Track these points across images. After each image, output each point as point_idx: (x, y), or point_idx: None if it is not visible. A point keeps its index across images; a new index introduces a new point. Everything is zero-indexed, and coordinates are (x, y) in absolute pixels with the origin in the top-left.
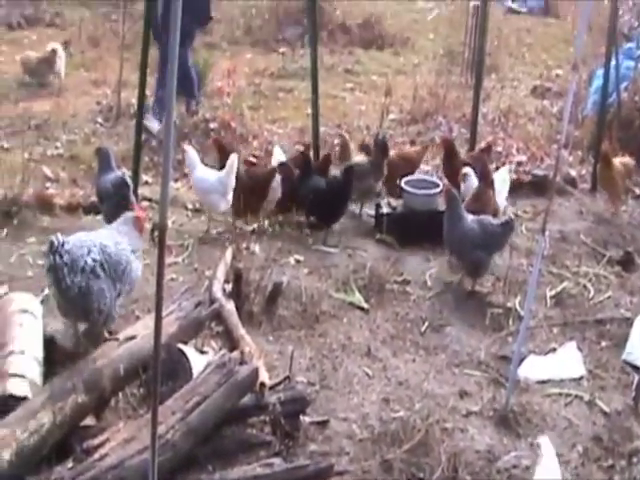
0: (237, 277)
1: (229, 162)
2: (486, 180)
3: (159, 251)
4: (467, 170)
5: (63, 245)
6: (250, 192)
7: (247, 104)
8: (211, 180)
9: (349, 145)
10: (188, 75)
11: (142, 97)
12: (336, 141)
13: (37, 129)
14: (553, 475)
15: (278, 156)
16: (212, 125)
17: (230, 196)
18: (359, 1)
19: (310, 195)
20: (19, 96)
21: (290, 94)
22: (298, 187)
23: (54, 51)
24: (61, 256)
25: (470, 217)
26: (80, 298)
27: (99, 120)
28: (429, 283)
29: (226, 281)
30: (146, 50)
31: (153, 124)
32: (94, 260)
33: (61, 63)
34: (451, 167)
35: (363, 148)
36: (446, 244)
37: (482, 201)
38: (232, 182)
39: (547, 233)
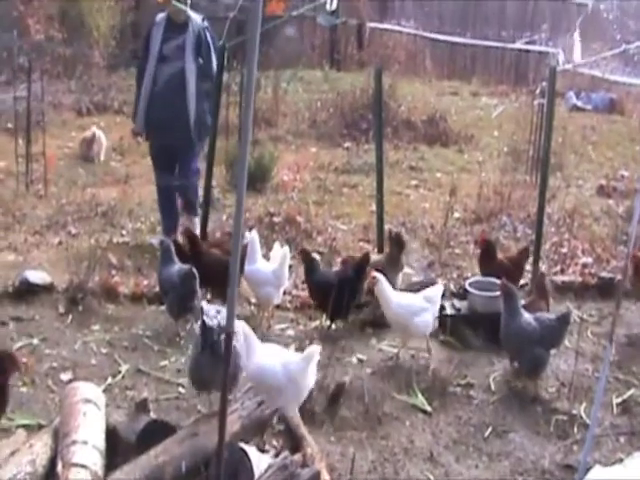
0: None
1: (281, 254)
2: (541, 291)
3: (225, 356)
4: (377, 274)
5: (209, 311)
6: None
7: (311, 199)
8: (265, 271)
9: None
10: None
11: (209, 187)
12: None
13: (104, 216)
14: None
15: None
16: (276, 219)
17: (282, 290)
18: (424, 97)
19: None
20: (87, 182)
21: (354, 189)
22: (308, 281)
23: (94, 134)
24: (211, 320)
25: (526, 314)
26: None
27: None
28: (493, 387)
29: None
30: (214, 141)
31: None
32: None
33: (99, 148)
34: (488, 268)
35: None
36: (503, 341)
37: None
38: (286, 274)
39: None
